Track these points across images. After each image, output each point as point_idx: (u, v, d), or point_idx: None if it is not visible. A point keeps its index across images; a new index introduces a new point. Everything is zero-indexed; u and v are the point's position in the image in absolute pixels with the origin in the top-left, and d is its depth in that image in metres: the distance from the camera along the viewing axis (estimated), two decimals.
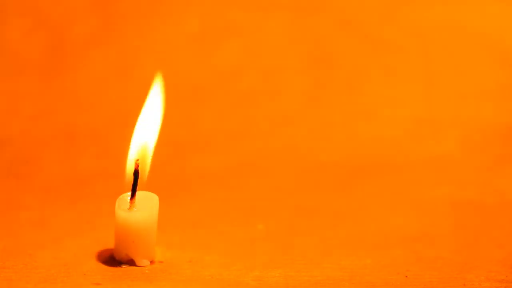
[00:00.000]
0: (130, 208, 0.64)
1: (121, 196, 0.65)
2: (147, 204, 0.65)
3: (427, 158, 0.87)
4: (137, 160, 0.64)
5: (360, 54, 0.94)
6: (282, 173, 0.85)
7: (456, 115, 0.91)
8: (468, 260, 0.67)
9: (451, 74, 0.93)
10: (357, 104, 0.92)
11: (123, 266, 0.65)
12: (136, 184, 0.64)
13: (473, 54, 0.93)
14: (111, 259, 0.65)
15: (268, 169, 0.85)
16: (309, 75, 0.93)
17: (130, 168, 0.65)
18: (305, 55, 0.94)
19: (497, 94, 0.92)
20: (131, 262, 0.65)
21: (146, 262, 0.65)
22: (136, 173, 0.64)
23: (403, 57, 0.93)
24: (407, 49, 0.93)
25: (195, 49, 0.93)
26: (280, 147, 0.88)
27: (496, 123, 0.90)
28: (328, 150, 0.88)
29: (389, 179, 0.83)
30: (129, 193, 0.65)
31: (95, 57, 0.91)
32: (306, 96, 0.92)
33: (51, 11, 0.92)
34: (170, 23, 0.94)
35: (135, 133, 0.67)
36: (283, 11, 0.95)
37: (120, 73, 0.92)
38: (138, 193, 0.65)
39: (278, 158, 0.87)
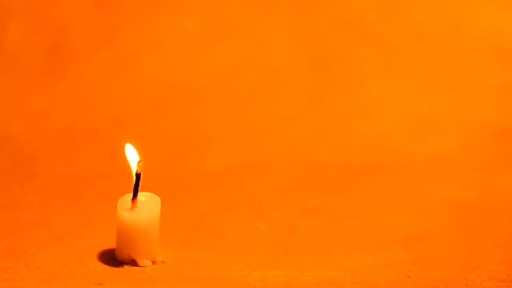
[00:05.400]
0: (132, 208, 0.64)
1: (123, 197, 0.65)
2: (149, 205, 0.65)
3: (428, 158, 0.87)
4: (139, 161, 0.65)
5: (360, 54, 0.94)
6: (283, 173, 0.84)
7: (457, 115, 0.91)
8: (470, 260, 0.67)
9: (451, 74, 0.93)
10: (357, 104, 0.92)
11: (125, 266, 0.65)
12: (138, 185, 0.64)
13: (474, 54, 0.93)
14: (113, 259, 0.65)
15: (269, 169, 0.85)
16: (309, 75, 0.93)
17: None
18: (305, 55, 0.94)
19: (497, 94, 0.92)
20: (133, 262, 0.65)
21: (148, 262, 0.65)
22: (138, 175, 0.64)
23: (403, 57, 0.93)
24: (407, 49, 0.93)
25: (195, 49, 0.93)
26: (280, 147, 0.88)
27: (496, 123, 0.90)
28: (328, 150, 0.88)
29: (390, 179, 0.83)
30: (131, 194, 0.65)
31: (96, 57, 0.91)
32: (306, 96, 0.92)
33: (51, 11, 0.92)
34: (170, 23, 0.93)
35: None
36: (283, 11, 0.94)
37: (120, 73, 0.92)
38: (140, 193, 0.65)
39: (278, 158, 0.87)
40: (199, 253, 0.67)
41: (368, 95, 0.92)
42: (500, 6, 0.94)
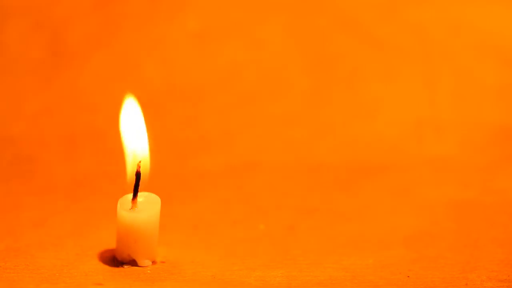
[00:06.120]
0: (132, 208, 0.64)
1: (123, 197, 0.65)
2: (149, 205, 0.65)
3: (428, 159, 0.87)
4: (139, 162, 0.65)
5: (360, 54, 0.94)
6: (283, 173, 0.84)
7: (457, 115, 0.91)
8: (470, 259, 0.67)
9: (451, 74, 0.93)
10: (357, 104, 0.92)
11: (125, 266, 0.65)
12: (138, 185, 0.64)
13: (474, 54, 0.93)
14: (113, 260, 0.65)
15: (268, 169, 0.85)
16: (309, 75, 0.93)
17: (131, 170, 0.65)
18: (305, 55, 0.94)
19: (498, 94, 0.92)
20: (133, 263, 0.65)
21: (148, 262, 0.65)
22: (138, 174, 0.64)
23: (403, 57, 0.93)
24: (407, 49, 0.93)
25: (195, 49, 0.93)
26: (280, 147, 0.88)
27: (496, 124, 0.90)
28: (328, 150, 0.88)
29: (390, 179, 0.83)
30: (131, 194, 0.65)
31: (96, 57, 0.91)
32: (306, 96, 0.92)
33: (51, 11, 0.92)
34: (170, 23, 0.93)
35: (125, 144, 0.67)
36: (283, 11, 0.95)
37: (120, 73, 0.92)
38: (140, 193, 0.65)
39: (278, 158, 0.87)
40: (199, 253, 0.67)
41: (367, 95, 0.92)
42: (500, 6, 0.94)
